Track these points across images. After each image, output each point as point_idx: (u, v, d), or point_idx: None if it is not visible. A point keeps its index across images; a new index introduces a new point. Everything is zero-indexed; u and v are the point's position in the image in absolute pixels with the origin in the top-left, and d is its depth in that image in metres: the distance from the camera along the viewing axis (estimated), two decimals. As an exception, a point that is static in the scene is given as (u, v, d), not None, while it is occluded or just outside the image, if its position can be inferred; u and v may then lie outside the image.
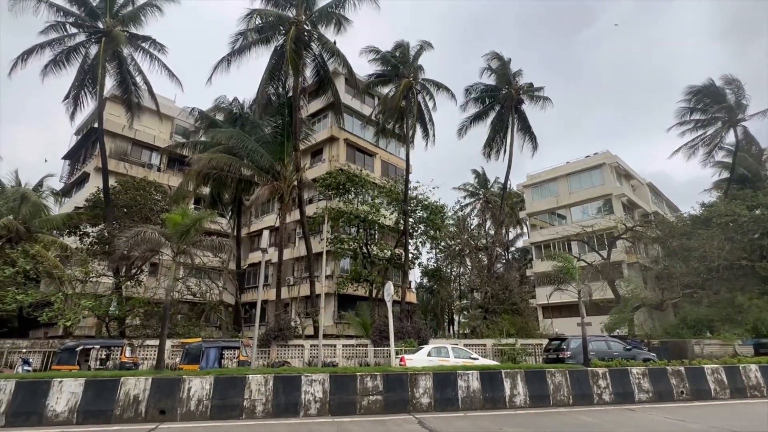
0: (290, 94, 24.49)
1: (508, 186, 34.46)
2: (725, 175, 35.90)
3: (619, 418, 9.45)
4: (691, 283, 25.27)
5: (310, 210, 27.84)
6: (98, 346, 15.83)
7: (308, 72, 25.09)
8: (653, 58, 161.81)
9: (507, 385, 10.89)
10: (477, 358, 15.98)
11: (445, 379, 10.61)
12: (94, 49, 23.17)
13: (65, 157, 35.99)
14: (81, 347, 14.21)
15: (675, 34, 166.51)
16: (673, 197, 48.72)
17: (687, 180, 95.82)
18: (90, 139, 32.24)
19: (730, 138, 32.59)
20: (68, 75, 23.04)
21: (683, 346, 20.39)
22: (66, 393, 8.72)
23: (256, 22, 23.45)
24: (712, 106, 31.84)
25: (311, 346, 19.30)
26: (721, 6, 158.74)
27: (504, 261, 43.03)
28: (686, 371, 12.45)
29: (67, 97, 23.07)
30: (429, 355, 15.68)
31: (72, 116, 23.17)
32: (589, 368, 11.99)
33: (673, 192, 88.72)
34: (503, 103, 30.63)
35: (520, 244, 51.11)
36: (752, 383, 12.88)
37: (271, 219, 31.06)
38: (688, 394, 12.04)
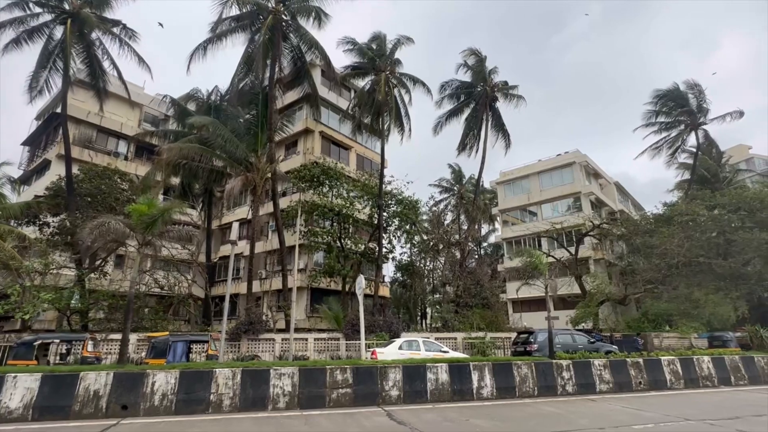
0: (265, 84, 24.01)
1: (482, 182, 34.95)
2: (687, 176, 37.48)
3: (580, 408, 9.79)
4: (653, 279, 26.30)
5: (283, 203, 27.48)
6: (58, 341, 15.21)
7: (285, 62, 24.61)
8: (618, 66, 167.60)
9: (475, 377, 11.11)
10: (447, 351, 16.21)
11: (414, 372, 10.73)
12: (58, 31, 22.14)
13: (25, 143, 34.23)
14: (39, 341, 13.61)
15: (641, 44, 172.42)
16: (635, 197, 50.50)
17: (648, 181, 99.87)
18: (52, 124, 30.77)
19: (692, 140, 34.07)
20: (30, 56, 22.03)
21: (644, 338, 21.25)
22: (21, 389, 8.38)
23: (232, 9, 22.82)
24: (675, 109, 33.16)
25: (282, 339, 19.12)
26: (683, 19, 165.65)
27: (476, 256, 43.73)
28: (644, 363, 13.01)
29: (31, 80, 21.94)
30: (400, 348, 15.79)
31: (32, 99, 22.04)
32: (554, 360, 12.35)
33: (635, 193, 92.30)
34: (478, 100, 30.94)
35: (492, 239, 52.07)
36: (705, 374, 13.58)
37: (244, 211, 30.53)
38: (645, 385, 12.60)
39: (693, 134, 33.29)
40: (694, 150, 34.08)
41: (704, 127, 33.32)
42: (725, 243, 25.29)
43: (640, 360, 13.07)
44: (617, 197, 44.49)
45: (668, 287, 25.77)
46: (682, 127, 33.56)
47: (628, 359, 13.06)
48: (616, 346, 17.94)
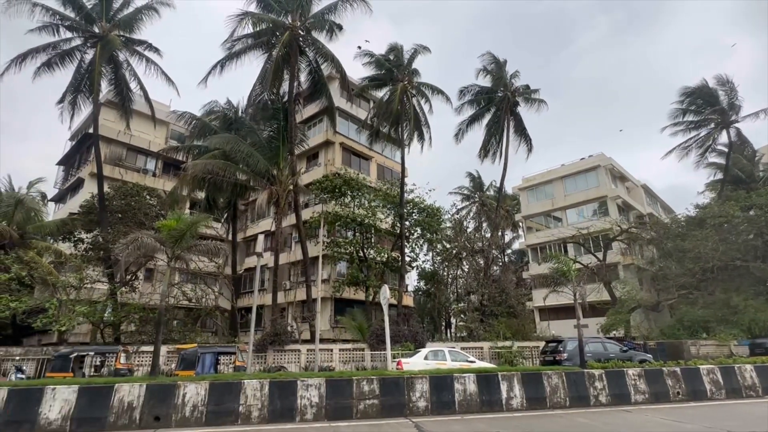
0: (285, 98, 24.49)
1: (504, 188, 34.54)
2: (719, 176, 36.11)
3: (615, 420, 9.45)
4: (687, 284, 25.35)
5: (306, 214, 27.80)
6: (93, 353, 15.70)
7: (303, 77, 25.10)
8: (628, 76, 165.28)
9: (503, 387, 10.87)
10: (474, 361, 15.96)
11: (441, 383, 10.58)
12: (89, 54, 23.13)
13: (59, 163, 35.78)
14: (75, 354, 14.08)
15: (651, 54, 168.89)
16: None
17: (665, 187, 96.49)
18: (84, 144, 32.11)
19: (723, 139, 32.81)
20: (64, 80, 23.03)
21: (679, 346, 20.42)
22: (59, 400, 8.64)
23: (249, 26, 23.38)
24: (705, 107, 31.95)
25: (308, 350, 19.21)
26: (691, 28, 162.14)
27: (500, 264, 43.11)
28: (682, 372, 12.48)
29: (61, 101, 22.99)
30: (426, 358, 15.64)
31: (70, 120, 23.17)
32: (585, 370, 11.99)
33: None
34: (499, 105, 30.74)
35: (516, 246, 51.23)
36: (747, 383, 12.92)
37: (267, 223, 30.99)
38: (684, 395, 12.06)
39: (724, 133, 32.05)
40: (726, 149, 32.83)
41: (736, 125, 32.06)
42: (764, 245, 24.21)
43: (678, 369, 12.55)
44: (645, 200, 43.18)
45: (704, 292, 24.79)
46: (713, 125, 32.33)
47: (664, 368, 12.56)
48: (650, 355, 17.30)
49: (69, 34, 22.97)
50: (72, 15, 22.78)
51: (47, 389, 8.71)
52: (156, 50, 24.33)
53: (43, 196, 29.99)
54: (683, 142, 33.33)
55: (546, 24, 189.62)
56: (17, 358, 16.36)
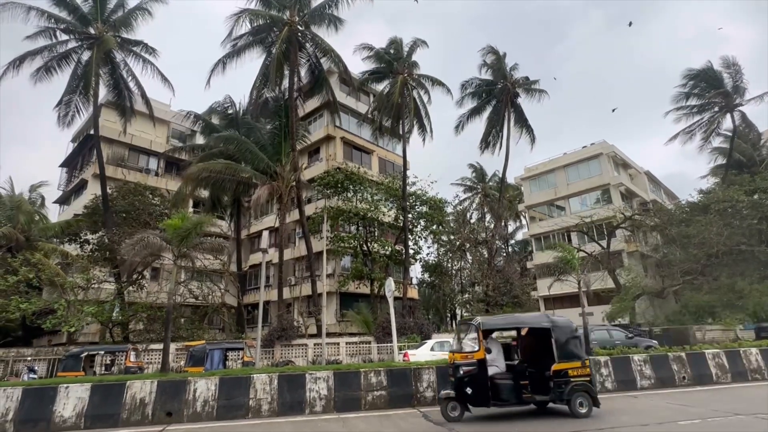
0: (286, 95, 24.47)
1: (506, 179, 34.50)
2: (719, 161, 35.92)
3: (621, 405, 9.51)
4: (691, 270, 25.34)
5: (309, 209, 27.86)
6: (103, 352, 15.91)
7: (303, 72, 25.05)
8: (623, 67, 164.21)
9: (510, 376, 10.93)
10: (480, 351, 16.04)
11: (448, 373, 10.66)
12: (86, 55, 23.09)
13: (62, 165, 35.88)
14: (85, 353, 14.26)
15: (646, 45, 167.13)
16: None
17: (663, 176, 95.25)
18: (87, 146, 32.17)
19: (727, 123, 32.54)
20: (63, 83, 23.00)
21: (685, 332, 20.47)
22: (73, 398, 8.79)
23: (247, 24, 23.31)
24: (708, 90, 31.61)
25: (315, 344, 19.38)
26: (685, 19, 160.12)
27: (504, 254, 43.11)
28: (687, 357, 12.53)
29: (59, 103, 22.99)
30: (432, 349, 15.77)
31: (69, 123, 23.20)
32: (590, 357, 12.05)
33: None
34: (499, 97, 30.66)
35: (519, 236, 51.21)
36: (753, 366, 12.96)
37: (271, 220, 31.08)
38: (689, 380, 12.13)
39: (728, 117, 31.76)
40: (730, 133, 32.59)
41: (740, 108, 31.75)
42: (768, 229, 24.16)
43: (683, 354, 12.60)
44: (648, 187, 43.00)
45: (708, 278, 24.78)
46: (716, 109, 32.03)
47: (669, 353, 12.61)
48: (655, 341, 17.37)
49: (65, 37, 22.93)
50: (67, 17, 22.73)
51: (61, 388, 8.86)
52: (152, 50, 24.32)
53: (42, 198, 30.10)
54: (687, 127, 33.06)
55: (539, 21, 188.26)
56: (29, 358, 16.60)
